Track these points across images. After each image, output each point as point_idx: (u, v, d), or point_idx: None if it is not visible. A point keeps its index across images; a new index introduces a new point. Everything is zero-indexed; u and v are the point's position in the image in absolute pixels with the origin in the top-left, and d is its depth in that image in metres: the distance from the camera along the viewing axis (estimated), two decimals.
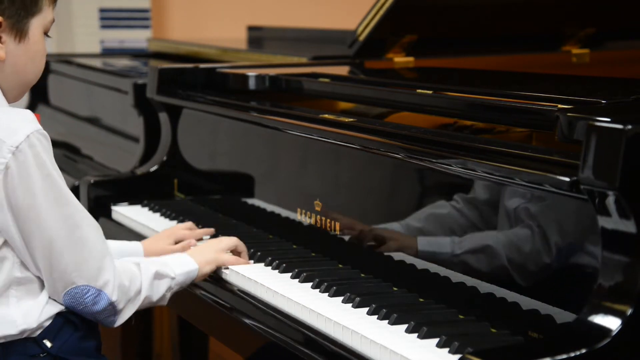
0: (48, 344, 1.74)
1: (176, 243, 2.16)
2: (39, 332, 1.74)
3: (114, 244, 2.06)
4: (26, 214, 1.69)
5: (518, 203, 1.60)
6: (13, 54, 1.75)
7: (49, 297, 1.75)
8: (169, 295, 1.87)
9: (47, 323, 1.75)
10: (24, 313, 1.73)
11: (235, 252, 2.07)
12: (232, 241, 2.07)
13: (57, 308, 1.75)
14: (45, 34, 1.80)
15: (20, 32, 1.75)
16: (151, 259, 1.90)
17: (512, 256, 1.61)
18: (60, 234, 1.70)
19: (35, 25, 1.76)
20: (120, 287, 1.75)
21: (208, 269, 1.98)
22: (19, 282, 1.73)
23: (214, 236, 2.23)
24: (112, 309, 1.75)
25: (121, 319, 1.79)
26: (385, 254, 1.89)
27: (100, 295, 1.73)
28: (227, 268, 2.01)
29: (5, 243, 1.71)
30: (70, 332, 1.77)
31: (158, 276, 1.84)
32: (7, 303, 1.73)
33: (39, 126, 1.71)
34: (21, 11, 1.74)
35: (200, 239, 2.22)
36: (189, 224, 2.27)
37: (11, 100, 1.79)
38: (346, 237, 2.01)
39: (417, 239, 1.82)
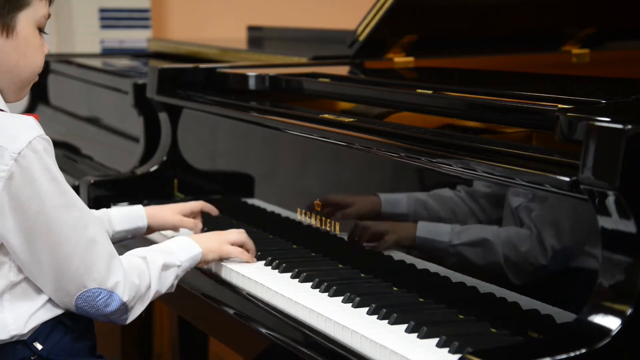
0: (39, 346, 1.72)
1: None
2: (29, 334, 1.72)
3: (117, 211, 2.07)
4: (34, 219, 1.66)
5: (519, 202, 1.60)
6: (1, 50, 1.71)
7: (44, 303, 1.72)
8: (176, 282, 1.86)
9: (38, 326, 1.72)
10: (16, 317, 1.70)
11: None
12: (239, 237, 2.04)
13: (50, 313, 1.73)
14: (41, 30, 1.75)
15: (6, 27, 1.70)
16: (155, 247, 1.88)
17: (510, 254, 1.61)
18: (69, 237, 1.67)
19: (24, 19, 1.71)
20: (131, 286, 1.73)
21: (211, 256, 1.97)
22: (13, 285, 1.71)
23: (216, 227, 2.19)
24: (124, 309, 1.73)
25: (132, 316, 1.77)
26: (385, 253, 1.89)
27: (112, 297, 1.71)
28: (227, 266, 2.00)
29: (2, 247, 1.69)
30: (61, 334, 1.74)
31: (165, 268, 1.82)
32: (0, 306, 1.71)
33: (41, 131, 1.69)
34: (5, 5, 1.69)
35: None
36: (201, 202, 2.27)
37: (11, 99, 1.77)
38: (344, 236, 2.01)
39: (417, 224, 1.81)
